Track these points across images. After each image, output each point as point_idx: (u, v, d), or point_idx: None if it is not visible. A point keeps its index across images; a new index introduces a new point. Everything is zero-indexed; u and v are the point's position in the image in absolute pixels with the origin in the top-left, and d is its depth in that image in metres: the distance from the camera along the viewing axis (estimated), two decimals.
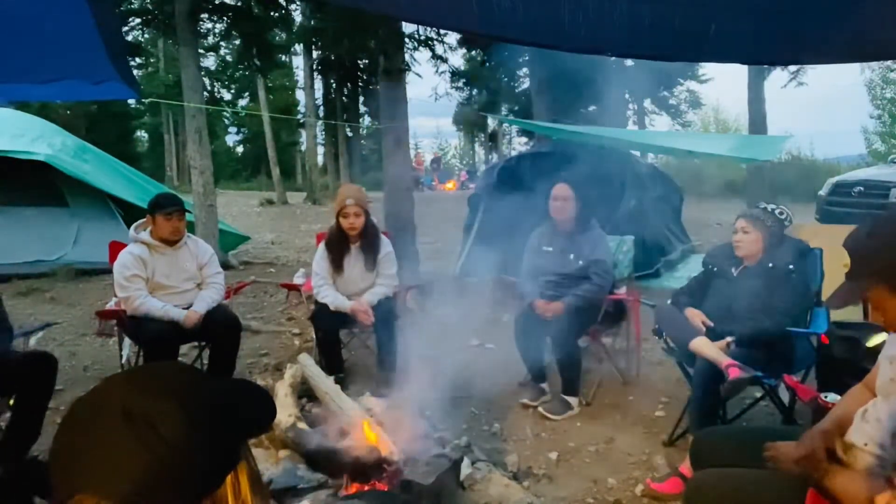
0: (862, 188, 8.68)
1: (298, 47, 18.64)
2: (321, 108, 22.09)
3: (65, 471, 0.68)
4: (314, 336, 4.16)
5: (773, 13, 1.90)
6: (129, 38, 9.51)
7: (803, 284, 3.08)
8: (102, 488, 0.65)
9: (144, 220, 3.78)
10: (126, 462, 0.66)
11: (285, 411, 2.87)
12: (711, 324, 3.11)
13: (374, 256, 3.99)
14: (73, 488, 0.66)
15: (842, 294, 1.58)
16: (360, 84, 20.80)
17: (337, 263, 3.96)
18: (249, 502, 0.75)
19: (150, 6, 8.92)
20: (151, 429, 0.67)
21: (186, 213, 3.85)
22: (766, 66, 12.20)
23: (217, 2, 8.49)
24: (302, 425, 2.79)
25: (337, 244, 3.97)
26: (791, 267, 3.02)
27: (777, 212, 3.14)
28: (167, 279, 3.70)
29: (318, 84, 21.23)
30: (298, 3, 9.97)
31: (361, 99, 22.06)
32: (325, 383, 3.14)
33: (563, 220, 3.94)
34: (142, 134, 36.22)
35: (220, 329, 3.72)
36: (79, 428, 0.69)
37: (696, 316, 3.15)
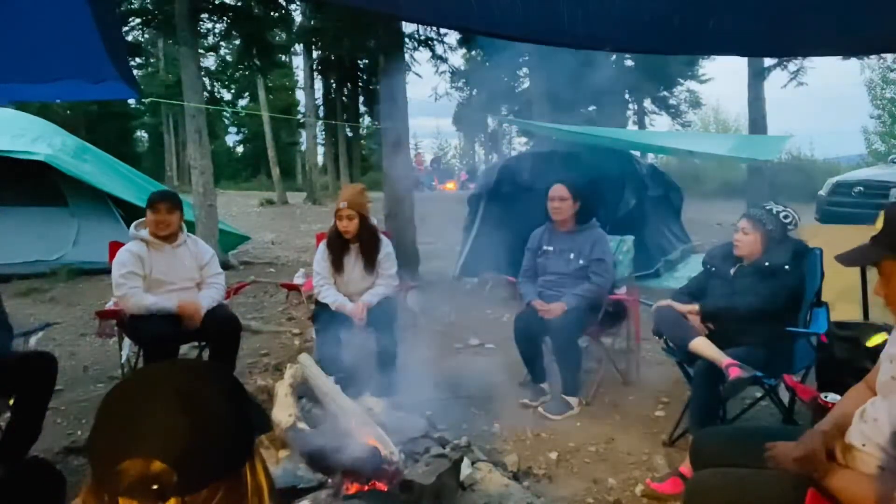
0: (862, 188, 8.69)
1: (298, 47, 18.63)
2: (321, 108, 22.09)
3: (114, 441, 0.76)
4: (314, 336, 4.16)
5: (770, 7, 1.91)
6: (129, 38, 9.51)
7: (796, 281, 3.07)
8: (156, 451, 0.74)
9: (144, 219, 3.79)
10: (178, 427, 0.76)
11: (285, 411, 2.87)
12: (695, 308, 3.13)
13: (373, 257, 3.99)
14: (123, 455, 0.74)
15: (854, 253, 1.58)
16: (360, 84, 20.79)
17: (336, 264, 3.96)
18: (264, 486, 0.86)
19: (150, 6, 8.92)
20: (199, 401, 0.79)
21: (182, 211, 3.84)
22: (765, 67, 12.21)
23: (217, 2, 8.50)
24: (302, 425, 2.78)
25: (336, 245, 3.98)
26: (787, 267, 3.02)
27: (782, 214, 3.12)
28: (165, 276, 3.70)
29: (318, 84, 21.23)
30: (298, 3, 9.97)
31: (361, 99, 22.05)
32: (325, 383, 3.13)
33: (561, 220, 3.94)
34: (142, 134, 36.23)
35: (220, 329, 3.71)
36: (133, 402, 0.79)
37: (682, 306, 3.18)
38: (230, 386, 0.86)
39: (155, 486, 0.73)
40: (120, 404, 0.80)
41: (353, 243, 3.98)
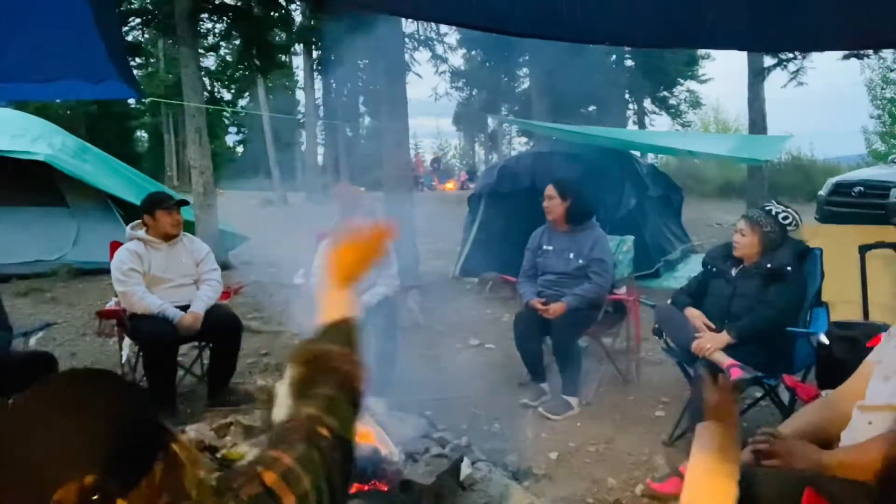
0: (862, 188, 8.67)
1: (298, 47, 18.65)
2: (321, 108, 22.10)
3: (32, 482, 0.71)
4: None
5: (770, 0, 1.91)
6: (129, 38, 9.51)
7: (800, 283, 3.07)
8: (81, 467, 0.70)
9: (139, 221, 3.80)
10: (85, 435, 0.73)
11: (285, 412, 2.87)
12: (713, 326, 3.10)
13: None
14: (54, 485, 0.70)
15: None
16: (360, 84, 20.81)
17: None
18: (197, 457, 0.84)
19: (150, 6, 8.93)
20: (86, 403, 0.76)
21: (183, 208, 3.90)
22: (765, 67, 12.21)
23: (217, 2, 8.50)
24: None
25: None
26: (789, 268, 3.02)
27: (781, 216, 3.12)
28: (164, 273, 3.72)
29: (318, 84, 21.24)
30: (298, 3, 9.98)
31: (361, 99, 22.08)
32: None
33: (553, 219, 3.95)
34: (142, 134, 36.22)
35: (221, 329, 3.72)
36: (24, 438, 0.74)
37: (696, 318, 3.15)
38: (105, 379, 0.83)
39: (95, 497, 0.70)
40: (13, 446, 0.74)
41: None
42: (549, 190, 3.95)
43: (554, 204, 3.92)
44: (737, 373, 2.80)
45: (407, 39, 7.94)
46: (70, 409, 0.76)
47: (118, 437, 0.75)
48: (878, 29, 2.07)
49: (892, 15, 1.88)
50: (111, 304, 3.90)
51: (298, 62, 23.02)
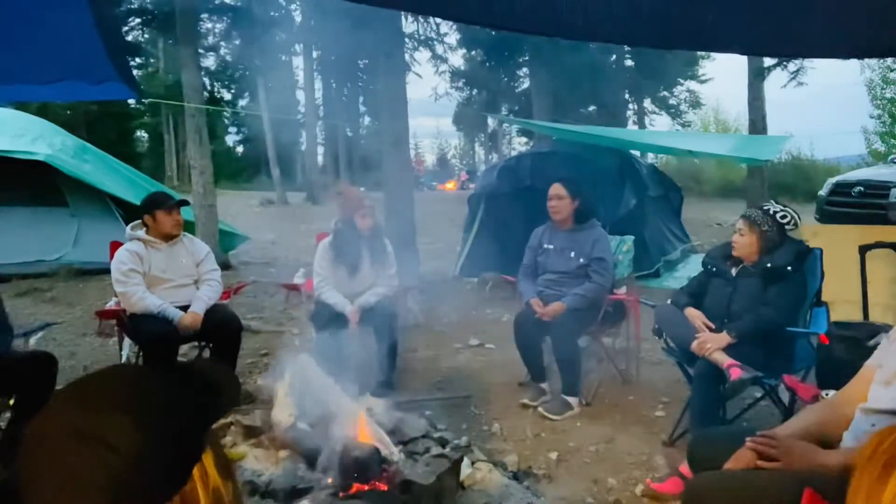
0: (862, 188, 8.66)
1: (298, 47, 18.66)
2: (321, 108, 22.11)
3: (31, 501, 0.67)
4: (314, 336, 4.17)
5: (771, 5, 1.91)
6: (129, 38, 9.53)
7: (800, 283, 3.07)
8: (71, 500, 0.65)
9: (139, 221, 3.80)
10: (86, 482, 0.65)
11: (285, 411, 2.87)
12: (713, 326, 3.10)
13: (376, 257, 4.02)
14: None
15: None
16: (360, 84, 20.82)
17: (344, 263, 3.98)
18: (220, 486, 0.75)
19: (149, 6, 8.94)
20: (102, 443, 0.66)
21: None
22: (765, 67, 12.20)
23: (217, 2, 8.50)
24: (302, 425, 2.79)
25: (345, 244, 3.99)
26: (789, 268, 3.02)
27: (780, 215, 3.11)
28: (164, 273, 3.73)
29: (318, 84, 21.26)
30: (298, 2, 9.99)
31: (361, 99, 22.09)
32: (325, 383, 3.14)
33: (560, 219, 3.95)
34: (142, 134, 36.20)
35: (221, 329, 3.72)
36: (34, 457, 0.69)
37: (696, 318, 3.15)
38: (147, 408, 0.70)
39: None
40: (25, 461, 0.70)
41: (364, 241, 4.03)
42: (559, 189, 3.93)
43: (564, 204, 3.91)
44: (737, 373, 2.79)
45: (407, 39, 7.93)
46: (83, 430, 0.67)
47: (123, 478, 0.66)
48: (880, 38, 2.07)
49: (892, 22, 1.89)
50: (111, 304, 3.91)
51: (298, 62, 23.05)
